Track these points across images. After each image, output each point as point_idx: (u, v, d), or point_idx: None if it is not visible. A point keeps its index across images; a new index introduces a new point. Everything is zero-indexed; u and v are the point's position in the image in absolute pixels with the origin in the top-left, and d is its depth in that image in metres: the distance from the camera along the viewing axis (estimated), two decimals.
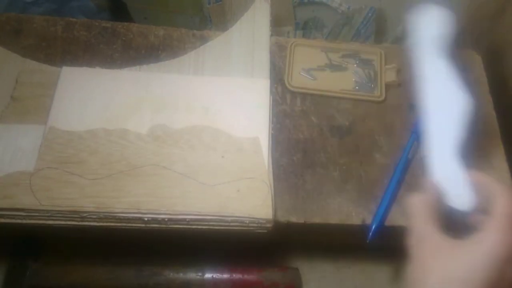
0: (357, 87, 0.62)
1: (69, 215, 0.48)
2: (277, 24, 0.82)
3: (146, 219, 0.49)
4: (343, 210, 0.53)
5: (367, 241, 0.51)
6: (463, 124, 0.47)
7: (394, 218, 0.53)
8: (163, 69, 0.60)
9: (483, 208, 0.41)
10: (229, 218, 0.49)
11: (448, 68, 0.50)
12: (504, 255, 0.35)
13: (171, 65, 0.60)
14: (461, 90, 0.48)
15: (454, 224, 0.41)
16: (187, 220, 0.49)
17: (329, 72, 0.63)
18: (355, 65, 0.64)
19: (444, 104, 0.48)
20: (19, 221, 0.48)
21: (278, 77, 0.62)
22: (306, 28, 0.90)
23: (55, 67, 0.58)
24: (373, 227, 0.51)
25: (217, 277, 0.60)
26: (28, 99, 0.56)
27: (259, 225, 0.50)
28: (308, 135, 0.58)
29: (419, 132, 0.58)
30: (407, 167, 0.56)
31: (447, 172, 0.46)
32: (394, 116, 0.60)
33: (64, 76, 0.57)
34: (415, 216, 0.40)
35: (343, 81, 0.62)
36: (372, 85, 0.62)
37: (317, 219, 0.52)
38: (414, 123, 0.59)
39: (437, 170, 0.47)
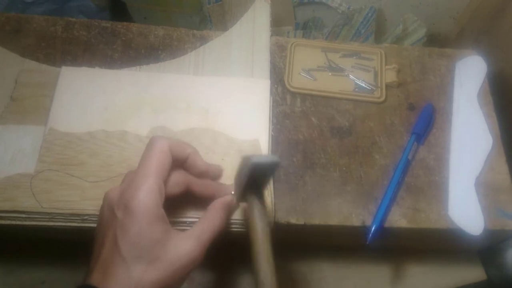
0: (357, 89, 0.62)
1: (70, 217, 0.48)
2: (277, 24, 0.82)
3: None
4: (343, 211, 0.53)
5: (367, 242, 0.51)
6: (483, 161, 0.57)
7: (394, 219, 0.53)
8: (163, 69, 0.60)
9: None
10: (229, 221, 0.49)
11: (479, 110, 0.60)
12: None
13: (171, 65, 0.60)
14: (487, 131, 0.59)
15: None
16: (187, 222, 0.49)
17: (329, 72, 0.63)
18: (355, 66, 0.64)
19: (471, 140, 0.58)
20: (19, 222, 0.48)
21: (278, 78, 0.61)
22: (306, 28, 0.90)
23: (55, 67, 0.58)
24: (373, 228, 0.51)
25: None
26: (28, 100, 0.56)
27: None
28: (308, 136, 0.58)
29: (419, 133, 0.58)
30: (407, 168, 0.56)
31: (464, 198, 0.54)
32: (394, 117, 0.60)
33: (64, 76, 0.57)
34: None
35: (343, 82, 0.62)
36: (372, 86, 0.62)
37: (317, 220, 0.52)
38: (414, 123, 0.59)
39: (454, 195, 0.55)
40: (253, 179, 0.43)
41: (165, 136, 0.45)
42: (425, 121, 0.59)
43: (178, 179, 0.45)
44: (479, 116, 0.60)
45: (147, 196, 0.40)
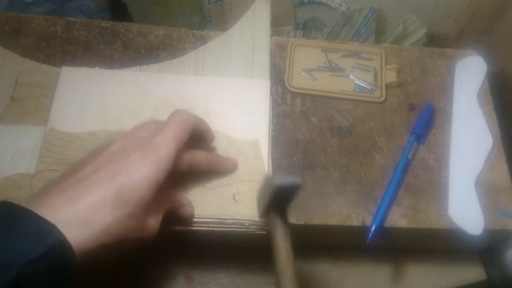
0: (357, 89, 0.62)
1: None
2: (277, 24, 0.82)
3: None
4: (343, 211, 0.53)
5: (367, 242, 0.51)
6: (483, 160, 0.57)
7: (394, 219, 0.53)
8: (163, 70, 0.60)
9: None
10: (229, 221, 0.49)
11: (478, 110, 0.61)
12: None
13: (171, 65, 0.60)
14: (487, 131, 0.59)
15: None
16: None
17: (329, 73, 0.63)
18: (355, 66, 0.64)
19: (471, 140, 0.58)
20: None
21: (278, 78, 0.61)
22: (306, 28, 0.90)
23: (55, 67, 0.58)
24: (373, 228, 0.51)
25: None
26: (28, 100, 0.56)
27: (259, 227, 0.50)
28: (308, 136, 0.58)
29: (419, 133, 0.58)
30: (407, 168, 0.56)
31: (464, 198, 0.55)
32: (394, 117, 0.60)
33: (64, 76, 0.57)
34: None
35: (343, 82, 0.62)
36: (372, 86, 0.62)
37: (317, 221, 0.52)
38: (414, 123, 0.59)
39: (454, 195, 0.55)
40: (276, 199, 0.43)
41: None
42: (425, 121, 0.59)
43: (185, 157, 0.46)
44: (479, 116, 0.60)
45: (164, 160, 0.41)
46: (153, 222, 0.41)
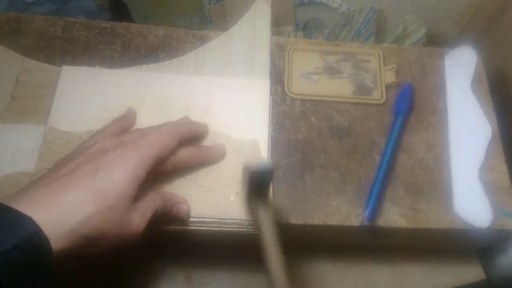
0: (356, 91, 0.61)
1: None
2: (277, 24, 0.82)
3: None
4: (343, 211, 0.53)
5: (365, 222, 0.52)
6: (485, 149, 0.57)
7: (393, 219, 0.53)
8: (163, 69, 0.60)
9: None
10: (228, 221, 0.49)
11: (474, 100, 0.60)
12: None
13: (171, 65, 0.60)
14: (484, 120, 0.59)
15: None
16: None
17: (328, 76, 0.62)
18: (353, 68, 0.63)
19: (469, 131, 0.58)
20: None
21: (278, 78, 0.61)
22: (307, 29, 0.90)
23: (55, 66, 0.58)
24: (371, 203, 0.52)
25: None
26: (28, 99, 0.56)
27: None
28: (307, 136, 0.58)
29: (400, 109, 0.59)
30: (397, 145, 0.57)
31: (469, 191, 0.54)
32: (393, 117, 0.60)
33: (64, 75, 0.57)
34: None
35: (342, 85, 0.62)
36: (371, 88, 0.62)
37: (316, 220, 0.52)
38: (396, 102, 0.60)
39: (459, 190, 0.55)
40: (255, 188, 0.44)
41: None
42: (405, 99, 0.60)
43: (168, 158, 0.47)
44: (475, 105, 0.60)
45: (143, 161, 0.42)
46: (137, 219, 0.41)
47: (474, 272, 0.63)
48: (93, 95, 0.56)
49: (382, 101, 0.61)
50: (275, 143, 0.56)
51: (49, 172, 0.43)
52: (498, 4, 0.76)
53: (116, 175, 0.40)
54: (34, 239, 0.34)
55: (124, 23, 0.64)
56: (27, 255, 0.33)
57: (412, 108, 0.60)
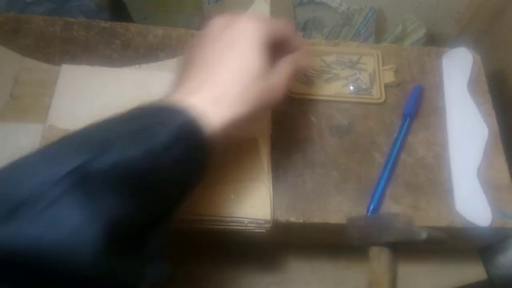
0: (355, 91, 0.61)
1: None
2: None
3: None
4: (343, 209, 0.53)
5: (368, 213, 0.53)
6: (482, 149, 0.57)
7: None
8: (163, 68, 0.60)
9: None
10: (228, 219, 0.49)
11: (470, 100, 0.60)
12: None
13: (171, 63, 0.60)
14: (482, 121, 0.59)
15: None
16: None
17: (327, 75, 0.62)
18: (352, 68, 0.63)
19: (467, 132, 0.59)
20: None
21: None
22: (306, 28, 0.90)
23: (54, 65, 0.58)
24: (375, 200, 0.53)
25: None
26: (27, 98, 0.56)
27: (258, 225, 0.50)
28: (307, 135, 0.58)
29: (410, 112, 0.59)
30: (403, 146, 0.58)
31: (469, 190, 0.55)
32: (393, 116, 0.60)
33: (64, 74, 0.57)
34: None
35: (342, 85, 0.62)
36: (370, 87, 0.62)
37: (316, 219, 0.52)
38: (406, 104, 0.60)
39: (459, 189, 0.55)
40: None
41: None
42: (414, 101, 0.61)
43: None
44: (472, 106, 0.60)
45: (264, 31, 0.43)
46: (277, 80, 0.43)
47: (475, 272, 0.63)
48: (92, 93, 0.56)
49: (382, 100, 0.61)
50: (275, 142, 0.56)
51: (189, 65, 0.44)
52: (498, 4, 0.76)
53: (249, 47, 0.42)
54: (195, 122, 0.37)
55: (124, 23, 0.64)
56: (190, 137, 0.37)
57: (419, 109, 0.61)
